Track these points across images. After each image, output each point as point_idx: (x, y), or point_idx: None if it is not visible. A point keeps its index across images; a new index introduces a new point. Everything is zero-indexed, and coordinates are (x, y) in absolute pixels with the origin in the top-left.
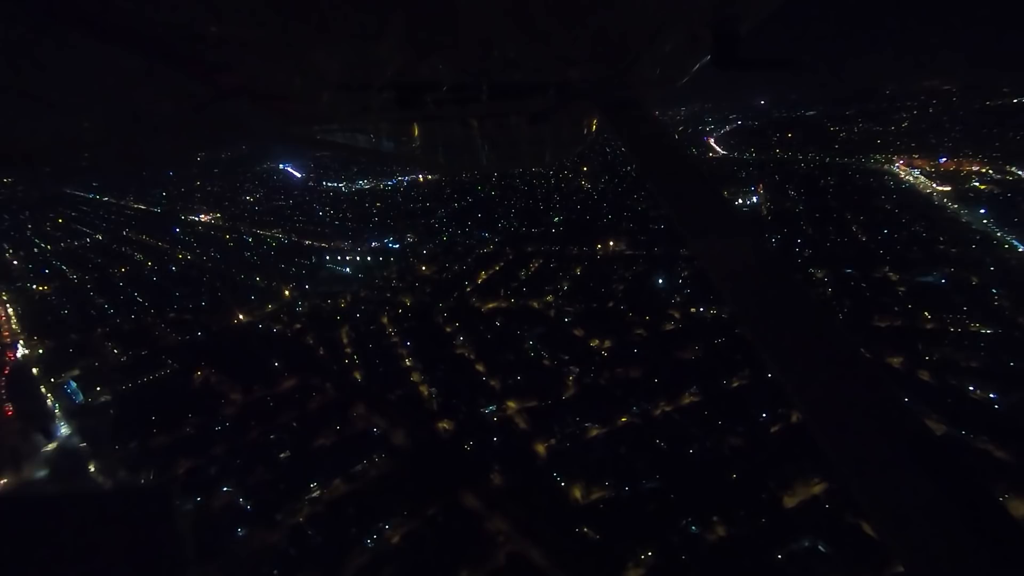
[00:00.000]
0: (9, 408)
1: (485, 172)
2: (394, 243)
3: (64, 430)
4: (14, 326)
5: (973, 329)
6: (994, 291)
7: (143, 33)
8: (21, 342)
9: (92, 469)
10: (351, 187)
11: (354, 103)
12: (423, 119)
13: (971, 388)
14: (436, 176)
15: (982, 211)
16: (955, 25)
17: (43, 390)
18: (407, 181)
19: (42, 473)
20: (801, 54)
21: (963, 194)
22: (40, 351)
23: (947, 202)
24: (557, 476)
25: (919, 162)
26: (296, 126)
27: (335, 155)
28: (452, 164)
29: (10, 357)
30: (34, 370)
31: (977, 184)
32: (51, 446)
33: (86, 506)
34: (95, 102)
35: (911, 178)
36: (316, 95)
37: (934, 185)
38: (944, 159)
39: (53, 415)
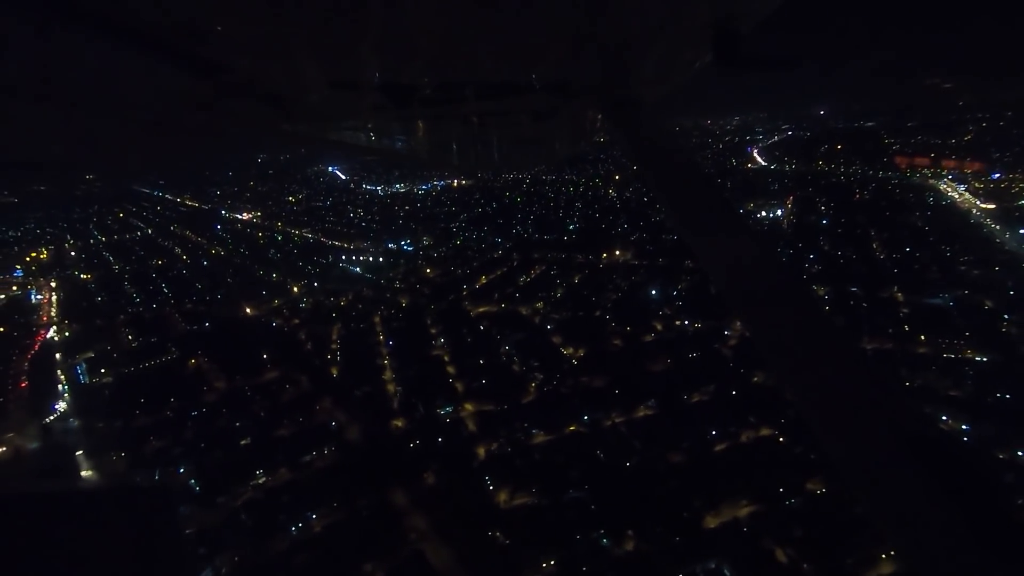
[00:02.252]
0: (24, 382)
1: (500, 172)
2: (409, 245)
3: (62, 406)
4: (53, 311)
5: (967, 356)
6: (1005, 317)
7: (145, 31)
8: (55, 326)
9: (79, 445)
10: (387, 190)
11: (355, 102)
12: (428, 119)
13: (943, 418)
14: (471, 182)
15: (1022, 232)
16: None
17: (58, 371)
18: (441, 185)
19: (35, 445)
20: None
21: (1007, 213)
22: (67, 334)
23: (987, 221)
24: (488, 479)
25: (970, 177)
26: (300, 125)
27: (350, 155)
28: (463, 164)
29: (40, 337)
30: (57, 353)
31: None
32: (49, 419)
33: (75, 499)
34: (96, 103)
35: (955, 194)
36: (318, 94)
37: (977, 202)
38: (997, 175)
39: (59, 393)
